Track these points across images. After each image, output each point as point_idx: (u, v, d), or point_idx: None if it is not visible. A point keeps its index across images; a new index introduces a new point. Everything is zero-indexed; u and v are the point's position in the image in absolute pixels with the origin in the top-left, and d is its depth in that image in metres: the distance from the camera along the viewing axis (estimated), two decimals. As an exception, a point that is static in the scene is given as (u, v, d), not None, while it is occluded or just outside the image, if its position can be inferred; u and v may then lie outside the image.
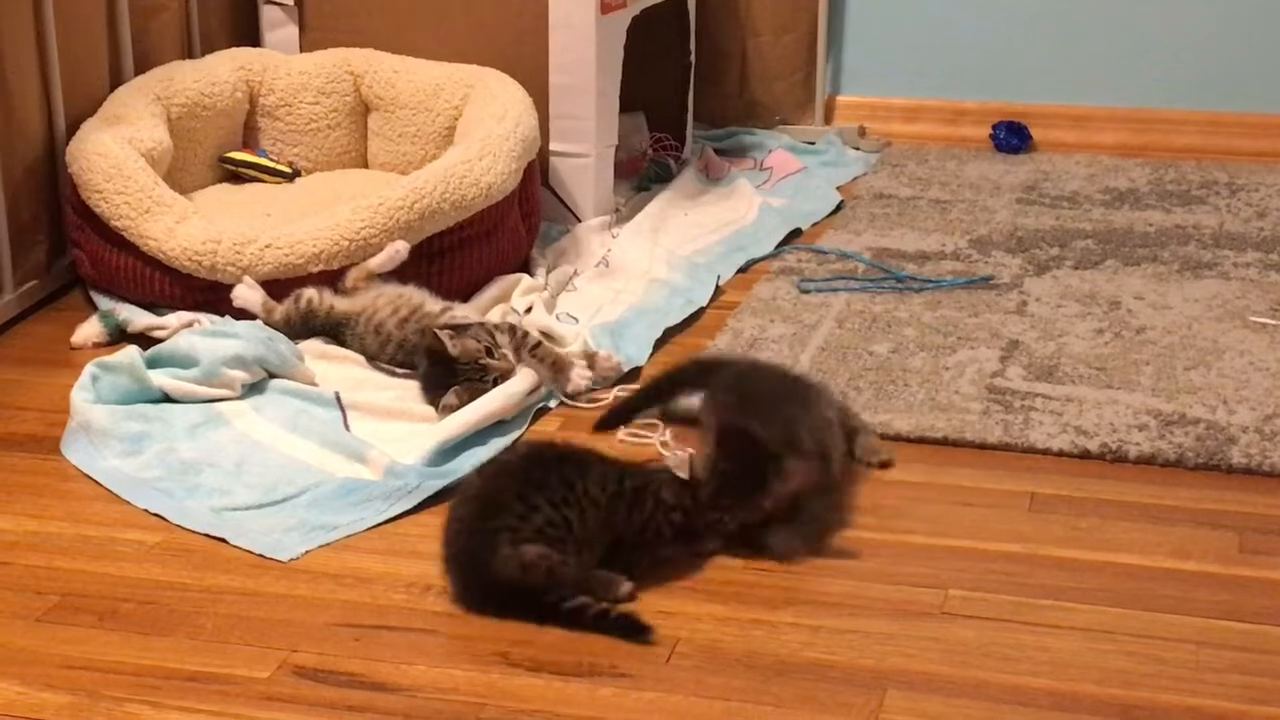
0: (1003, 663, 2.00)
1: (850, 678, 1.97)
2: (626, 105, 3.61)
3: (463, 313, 2.87)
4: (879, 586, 2.17)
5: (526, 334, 2.75)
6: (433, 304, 2.86)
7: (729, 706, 1.91)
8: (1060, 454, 2.54)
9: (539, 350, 2.72)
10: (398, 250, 2.92)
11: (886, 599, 2.14)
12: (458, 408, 2.61)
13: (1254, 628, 2.07)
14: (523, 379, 2.67)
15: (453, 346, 2.65)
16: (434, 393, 2.66)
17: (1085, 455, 2.54)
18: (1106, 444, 2.55)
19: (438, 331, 2.67)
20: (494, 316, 2.93)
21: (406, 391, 2.72)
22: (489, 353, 2.66)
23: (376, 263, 2.92)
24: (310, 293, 2.88)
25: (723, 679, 1.96)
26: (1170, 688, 1.94)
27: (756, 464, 2.20)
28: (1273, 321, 3.03)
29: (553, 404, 2.71)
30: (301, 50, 3.64)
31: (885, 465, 2.50)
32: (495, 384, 2.64)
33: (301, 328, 2.87)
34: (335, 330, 2.87)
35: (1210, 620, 2.09)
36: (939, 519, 2.35)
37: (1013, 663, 2.00)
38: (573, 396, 2.72)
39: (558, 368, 2.72)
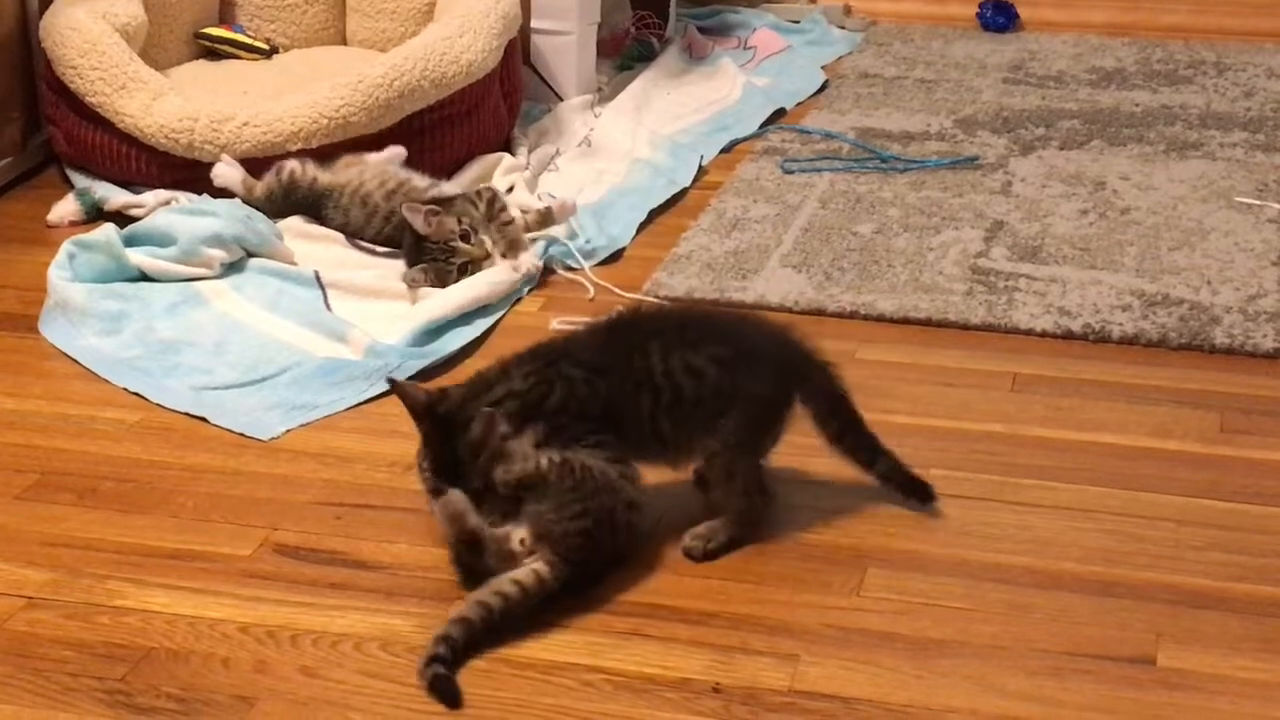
0: (984, 541, 2.00)
1: (831, 556, 1.97)
2: (609, -18, 3.57)
3: (451, 189, 2.85)
4: (861, 466, 2.17)
5: (505, 207, 2.72)
6: (419, 180, 2.83)
7: (709, 585, 1.91)
8: (1043, 334, 2.54)
9: (508, 229, 2.70)
10: (397, 153, 2.90)
11: (868, 478, 2.14)
12: (422, 284, 2.60)
13: (1234, 506, 2.08)
14: (506, 269, 2.65)
15: (426, 224, 2.63)
16: (410, 267, 2.66)
17: (1068, 336, 2.53)
18: (1090, 324, 2.54)
19: (407, 207, 2.65)
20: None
21: (387, 271, 2.69)
22: (465, 237, 2.64)
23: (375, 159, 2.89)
24: (293, 164, 2.85)
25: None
26: (1150, 565, 1.95)
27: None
28: (1258, 202, 3.02)
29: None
30: (278, -76, 3.57)
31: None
32: (462, 270, 2.62)
33: (284, 201, 2.84)
34: (317, 203, 2.83)
35: (1191, 499, 2.09)
36: (922, 399, 2.35)
37: (994, 541, 2.00)
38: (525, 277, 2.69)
39: (512, 245, 2.70)
